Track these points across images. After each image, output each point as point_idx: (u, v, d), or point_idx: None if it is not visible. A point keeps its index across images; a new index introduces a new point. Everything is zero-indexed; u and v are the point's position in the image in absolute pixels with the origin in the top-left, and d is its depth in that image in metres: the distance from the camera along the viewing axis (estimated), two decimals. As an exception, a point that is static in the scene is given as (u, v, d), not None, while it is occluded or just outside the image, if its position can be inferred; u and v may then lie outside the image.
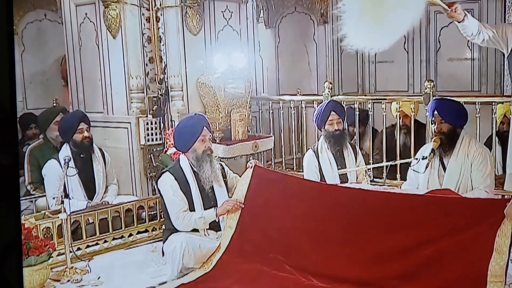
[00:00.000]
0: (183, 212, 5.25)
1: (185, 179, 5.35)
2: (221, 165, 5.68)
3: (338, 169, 6.31)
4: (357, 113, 7.31)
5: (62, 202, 5.18)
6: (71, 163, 5.76)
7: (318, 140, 6.60)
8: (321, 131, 6.51)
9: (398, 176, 6.80)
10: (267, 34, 9.93)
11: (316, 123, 6.52)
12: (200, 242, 5.13)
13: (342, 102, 7.23)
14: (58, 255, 5.42)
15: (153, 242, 6.09)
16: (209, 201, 5.41)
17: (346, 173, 6.27)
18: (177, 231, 5.27)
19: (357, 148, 6.71)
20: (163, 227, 5.73)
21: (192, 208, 5.32)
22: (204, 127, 5.42)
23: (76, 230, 5.75)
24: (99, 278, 5.17)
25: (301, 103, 7.95)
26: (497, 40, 5.50)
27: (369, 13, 5.08)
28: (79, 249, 5.67)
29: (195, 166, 5.38)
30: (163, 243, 5.39)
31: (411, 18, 5.09)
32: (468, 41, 9.30)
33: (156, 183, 5.54)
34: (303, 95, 8.61)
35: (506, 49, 5.56)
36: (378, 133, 7.99)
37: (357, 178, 6.44)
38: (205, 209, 5.33)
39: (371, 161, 7.12)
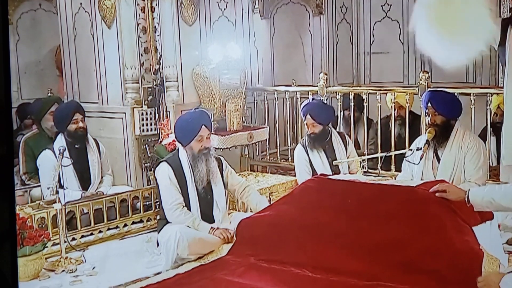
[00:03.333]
0: (178, 205, 5.25)
1: (182, 171, 5.34)
2: (219, 159, 5.66)
3: (329, 161, 6.33)
4: (352, 103, 7.30)
5: (57, 192, 5.18)
6: (66, 153, 5.76)
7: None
8: None
9: (392, 167, 6.81)
10: (262, 24, 9.93)
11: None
12: (194, 232, 5.13)
13: (338, 94, 7.24)
14: (52, 245, 5.42)
15: (148, 232, 6.09)
16: (206, 195, 5.41)
17: (338, 165, 6.29)
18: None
19: (347, 137, 6.71)
20: (158, 217, 5.74)
21: (187, 202, 5.33)
22: (203, 126, 5.34)
23: (71, 220, 5.75)
24: (93, 268, 5.17)
25: (296, 94, 7.94)
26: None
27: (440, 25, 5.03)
28: (73, 239, 5.67)
29: (191, 163, 5.37)
30: (158, 233, 5.40)
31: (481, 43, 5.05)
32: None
33: (153, 171, 5.54)
34: (298, 86, 8.62)
35: (495, 44, 5.62)
36: (373, 124, 8.00)
37: (349, 168, 6.45)
38: (200, 203, 5.35)
39: (366, 152, 7.13)
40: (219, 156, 5.72)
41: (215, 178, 5.48)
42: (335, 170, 6.31)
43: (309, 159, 6.45)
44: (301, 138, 7.16)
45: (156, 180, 5.45)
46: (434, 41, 5.01)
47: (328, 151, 6.43)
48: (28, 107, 7.93)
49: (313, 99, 6.85)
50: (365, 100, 7.24)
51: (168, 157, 5.52)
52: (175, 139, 5.64)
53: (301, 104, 6.71)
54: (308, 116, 6.40)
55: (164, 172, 5.34)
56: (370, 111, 7.52)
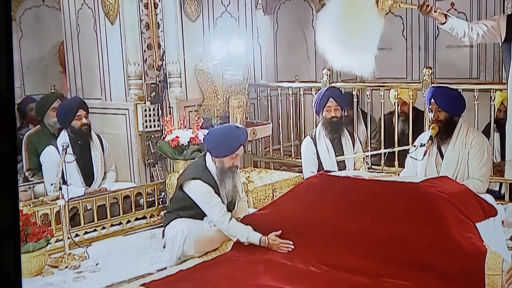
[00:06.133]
0: (227, 216, 5.16)
1: (215, 181, 5.22)
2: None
3: (336, 156, 6.33)
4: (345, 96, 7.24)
5: (60, 189, 5.19)
6: (69, 150, 5.76)
7: (316, 127, 6.61)
8: (319, 116, 6.53)
9: (396, 163, 6.79)
10: (266, 20, 9.90)
11: (315, 108, 6.55)
12: (201, 230, 5.11)
13: (341, 89, 7.22)
14: (56, 242, 5.43)
15: (151, 228, 6.10)
16: (232, 204, 5.37)
17: (344, 160, 6.29)
18: (180, 216, 5.24)
19: (355, 135, 6.72)
20: (168, 209, 5.62)
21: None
22: (241, 146, 5.27)
23: (74, 217, 5.75)
24: (97, 264, 5.18)
25: (300, 90, 7.94)
26: (493, 34, 5.59)
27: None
28: (77, 235, 5.67)
29: (218, 177, 5.24)
30: (165, 226, 5.34)
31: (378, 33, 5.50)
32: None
33: (180, 187, 5.36)
34: (302, 82, 8.59)
35: (500, 40, 5.62)
36: (375, 120, 7.98)
37: (354, 165, 6.46)
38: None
39: (369, 149, 7.12)
40: None
41: (240, 193, 5.43)
42: (341, 165, 6.30)
43: (317, 152, 6.44)
44: (305, 133, 7.14)
45: (187, 194, 5.31)
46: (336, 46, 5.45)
47: (337, 146, 6.42)
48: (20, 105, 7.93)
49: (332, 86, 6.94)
50: (368, 97, 7.23)
51: (197, 173, 5.29)
52: (206, 149, 5.51)
53: (315, 96, 6.67)
54: (331, 99, 6.37)
55: (201, 189, 5.19)
56: (374, 107, 7.49)
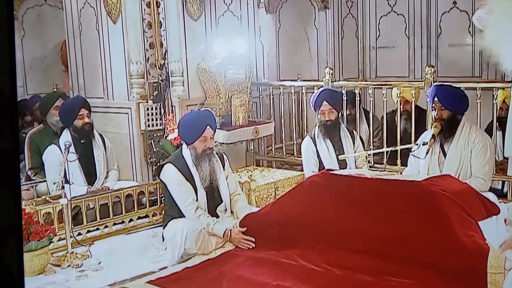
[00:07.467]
0: (193, 205, 5.24)
1: (188, 169, 5.33)
2: (222, 157, 5.63)
3: (336, 154, 6.34)
4: (345, 97, 7.23)
5: (63, 188, 5.19)
6: (72, 149, 5.76)
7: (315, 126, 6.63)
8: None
9: (398, 162, 6.79)
10: (268, 19, 9.89)
11: (312, 107, 6.59)
12: (200, 227, 5.13)
13: (343, 88, 7.21)
14: (58, 240, 5.43)
15: (154, 227, 6.09)
16: (213, 192, 5.41)
17: (345, 159, 6.29)
18: (177, 216, 5.27)
19: (355, 132, 6.73)
20: (164, 212, 5.73)
21: (196, 198, 5.33)
22: (208, 127, 5.32)
23: (76, 215, 5.75)
24: (99, 263, 5.17)
25: (302, 89, 7.93)
26: None
27: None
28: (79, 234, 5.67)
29: (194, 162, 5.35)
30: (163, 228, 5.40)
31: None
32: (469, 26, 9.35)
33: (158, 175, 5.51)
34: (304, 80, 8.59)
35: None
36: (377, 119, 7.98)
37: (355, 162, 6.46)
38: (208, 200, 5.35)
39: (371, 147, 7.12)
40: (223, 154, 5.70)
41: (219, 177, 5.47)
42: (342, 163, 6.31)
43: (317, 151, 6.45)
44: (307, 132, 7.14)
45: (162, 182, 5.43)
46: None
47: (336, 144, 6.44)
48: (26, 103, 7.96)
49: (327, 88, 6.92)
50: (370, 95, 7.22)
51: (171, 158, 5.51)
52: (180, 138, 5.64)
53: (312, 96, 6.68)
54: (325, 103, 6.40)
55: (170, 174, 5.33)
56: (376, 106, 7.49)
